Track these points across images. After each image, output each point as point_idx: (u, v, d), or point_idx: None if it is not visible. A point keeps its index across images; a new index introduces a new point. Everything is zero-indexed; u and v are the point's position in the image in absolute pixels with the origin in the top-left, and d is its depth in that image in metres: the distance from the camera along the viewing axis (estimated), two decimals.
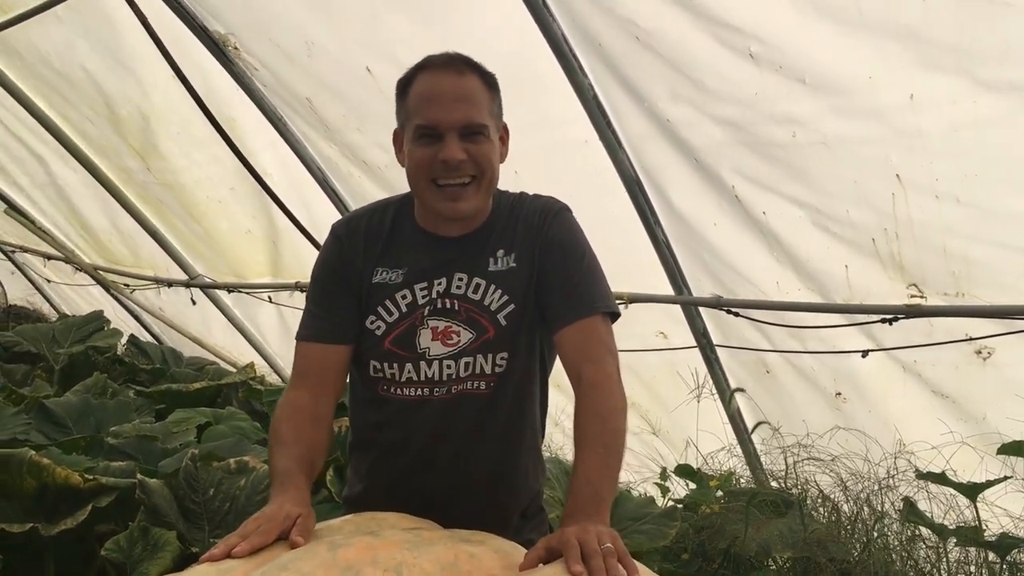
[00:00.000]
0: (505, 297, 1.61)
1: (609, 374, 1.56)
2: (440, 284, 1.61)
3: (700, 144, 2.55)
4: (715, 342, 3.19)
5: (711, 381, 3.23)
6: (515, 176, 2.85)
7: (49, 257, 5.69)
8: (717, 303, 2.95)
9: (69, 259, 5.41)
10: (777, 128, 2.37)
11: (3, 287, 6.21)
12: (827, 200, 2.46)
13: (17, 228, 5.64)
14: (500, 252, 1.63)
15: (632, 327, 3.06)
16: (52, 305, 6.43)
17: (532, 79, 2.64)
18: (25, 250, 5.98)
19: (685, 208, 2.78)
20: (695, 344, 3.19)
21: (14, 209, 5.30)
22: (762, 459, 3.22)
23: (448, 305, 1.61)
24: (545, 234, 1.63)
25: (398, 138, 1.65)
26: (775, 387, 3.16)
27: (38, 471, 2.93)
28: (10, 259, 6.28)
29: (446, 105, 1.54)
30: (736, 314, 2.94)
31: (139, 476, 2.87)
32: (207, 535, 2.78)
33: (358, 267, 1.64)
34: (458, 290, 1.61)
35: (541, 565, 1.29)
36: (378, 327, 1.62)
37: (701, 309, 3.10)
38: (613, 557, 1.26)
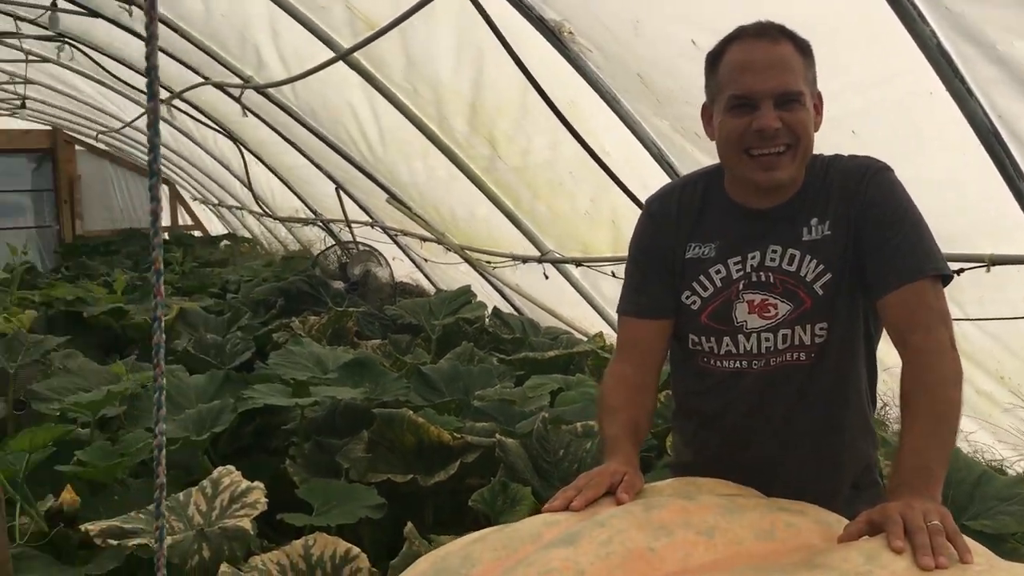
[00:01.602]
0: (821, 267, 1.59)
1: (940, 341, 1.48)
2: (754, 257, 1.63)
3: None
4: None
5: None
6: (853, 136, 2.73)
7: (424, 239, 6.39)
8: None
9: (440, 240, 6.04)
10: None
11: (391, 266, 7.08)
12: None
13: (397, 215, 6.42)
14: (814, 220, 1.60)
15: (997, 292, 2.79)
16: (431, 281, 7.22)
17: (866, 34, 2.51)
18: (406, 234, 6.76)
19: None
20: None
21: (395, 198, 6.03)
22: None
23: (763, 278, 1.62)
24: (863, 196, 1.58)
25: (706, 112, 1.68)
26: None
27: (416, 429, 3.37)
28: (395, 242, 7.14)
29: (760, 73, 1.54)
30: None
31: (498, 436, 3.18)
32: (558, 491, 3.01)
33: (671, 243, 1.70)
34: (772, 262, 1.62)
35: (864, 539, 1.28)
36: (693, 302, 1.68)
37: None
38: (941, 535, 1.21)
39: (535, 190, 4.70)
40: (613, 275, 4.57)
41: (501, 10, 3.47)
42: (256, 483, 2.48)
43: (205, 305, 6.40)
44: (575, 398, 3.81)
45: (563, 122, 3.76)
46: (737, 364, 1.66)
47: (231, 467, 2.57)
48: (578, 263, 4.85)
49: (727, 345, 1.66)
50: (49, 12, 6.12)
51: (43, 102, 10.59)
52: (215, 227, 13.64)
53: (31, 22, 6.65)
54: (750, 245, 1.64)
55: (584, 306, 5.14)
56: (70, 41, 7.17)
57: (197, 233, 13.86)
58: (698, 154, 3.34)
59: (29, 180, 13.25)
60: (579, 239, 4.78)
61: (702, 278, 1.67)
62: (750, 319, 1.63)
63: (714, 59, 1.63)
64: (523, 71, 3.61)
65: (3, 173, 13.39)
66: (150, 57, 0.91)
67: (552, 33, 3.42)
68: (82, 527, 2.28)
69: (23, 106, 10.49)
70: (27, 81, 9.01)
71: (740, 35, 1.60)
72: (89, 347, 5.37)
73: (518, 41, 3.56)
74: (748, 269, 1.63)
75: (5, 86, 9.87)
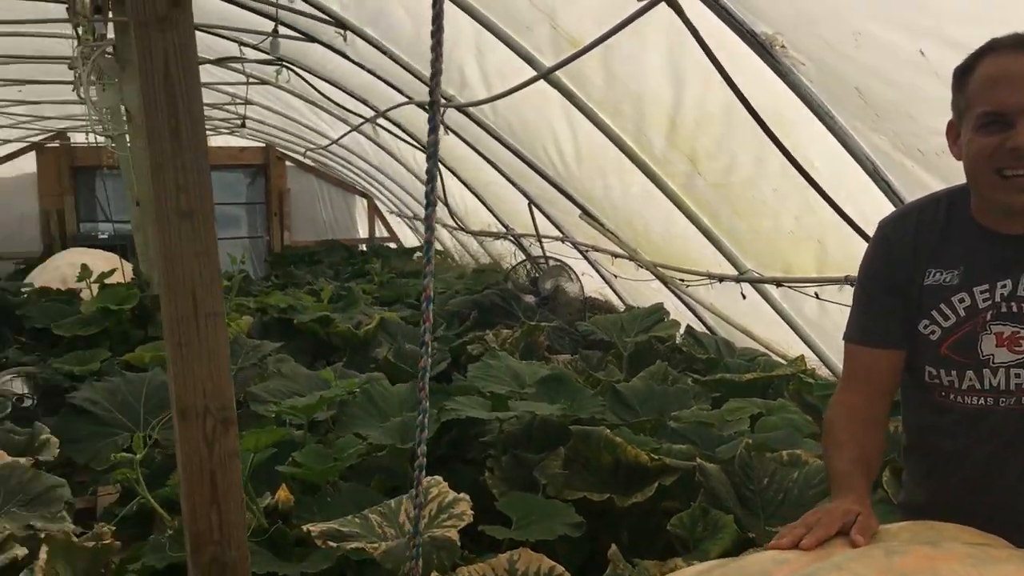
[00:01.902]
0: None
1: None
2: (1004, 286, 1.51)
3: None
4: None
5: None
6: None
7: (616, 256, 6.38)
8: None
9: (632, 257, 6.01)
10: None
11: (581, 281, 7.12)
12: None
13: (588, 230, 6.45)
14: None
15: None
16: (620, 298, 7.20)
17: None
18: (596, 249, 6.78)
19: None
20: None
21: (587, 214, 6.06)
22: None
23: (1014, 309, 1.50)
24: None
25: (952, 130, 1.58)
26: None
27: (612, 448, 3.35)
28: (585, 257, 7.18)
29: (1017, 88, 1.44)
30: None
31: (698, 460, 3.11)
32: (762, 522, 2.91)
33: (908, 268, 1.61)
34: None
35: None
36: (932, 332, 1.58)
37: None
38: None
39: (735, 207, 4.59)
40: (816, 296, 4.38)
41: (708, 25, 3.42)
42: (462, 495, 2.55)
43: (403, 315, 6.66)
44: (777, 424, 3.68)
45: (771, 137, 3.65)
46: (982, 400, 1.55)
47: (439, 477, 2.65)
48: (779, 283, 4.69)
49: (970, 379, 1.55)
50: (270, 38, 6.57)
51: (260, 121, 11.40)
52: (408, 239, 14.20)
53: (254, 47, 7.18)
54: (1000, 273, 1.52)
55: (783, 328, 4.96)
56: (287, 64, 7.69)
57: (392, 245, 14.49)
58: (920, 171, 3.15)
59: (244, 193, 14.32)
60: (781, 258, 4.61)
61: (943, 307, 1.57)
62: (998, 352, 1.52)
63: (963, 73, 1.53)
64: (731, 86, 3.53)
65: (223, 187, 14.55)
66: (432, 142, 0.96)
67: (763, 47, 3.33)
68: (303, 527, 2.41)
69: (243, 125, 11.33)
70: (247, 102, 9.72)
71: (993, 47, 1.49)
72: (298, 352, 5.71)
73: (726, 56, 3.49)
74: (997, 299, 1.52)
75: (228, 107, 10.69)
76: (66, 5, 5.91)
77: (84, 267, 6.56)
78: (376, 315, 6.29)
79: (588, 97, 4.70)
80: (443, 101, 5.99)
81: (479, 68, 5.34)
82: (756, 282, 4.86)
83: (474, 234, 9.56)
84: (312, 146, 11.78)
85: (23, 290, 7.92)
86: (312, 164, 13.71)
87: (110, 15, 5.90)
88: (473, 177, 8.09)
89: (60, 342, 6.01)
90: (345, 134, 9.56)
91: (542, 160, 6.03)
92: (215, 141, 13.91)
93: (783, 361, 5.00)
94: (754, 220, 4.57)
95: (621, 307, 7.07)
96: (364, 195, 14.87)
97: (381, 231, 15.22)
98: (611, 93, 4.51)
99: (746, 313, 5.32)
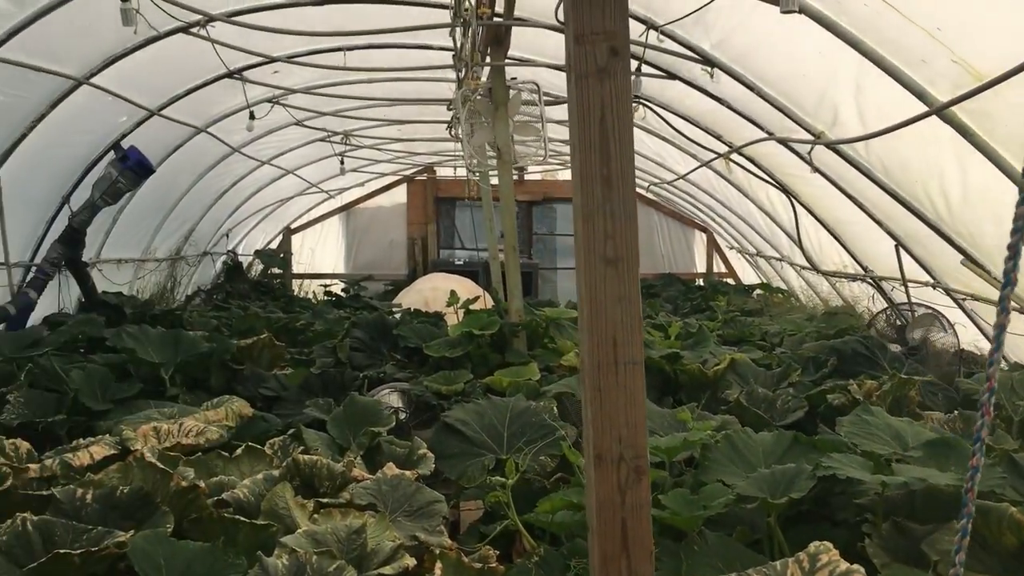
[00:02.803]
0: None
1: None
2: None
3: None
4: None
5: None
6: None
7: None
8: None
9: None
10: None
11: (956, 333, 6.47)
12: None
13: (964, 277, 5.85)
14: None
15: None
16: (1003, 355, 6.45)
17: None
18: (975, 298, 6.13)
19: None
20: None
21: (972, 261, 5.49)
22: None
23: None
24: None
25: None
26: None
27: (1018, 528, 2.96)
28: (960, 306, 6.52)
29: None
30: None
31: None
32: None
33: None
34: None
35: None
36: None
37: None
38: None
39: None
40: None
41: None
42: (855, 566, 2.36)
43: (753, 357, 6.45)
44: None
45: None
46: None
47: (828, 544, 2.48)
48: None
49: None
50: (634, 77, 6.73)
51: None
52: (746, 275, 13.86)
53: None
54: None
55: None
56: (643, 101, 7.83)
57: (730, 281, 14.22)
58: None
59: None
60: None
61: None
62: None
63: None
64: None
65: (565, 218, 15.20)
66: None
67: None
68: None
69: None
70: None
71: None
72: (647, 387, 5.72)
73: None
74: None
75: None
76: (452, 52, 6.45)
77: (453, 293, 7.10)
78: (726, 355, 6.15)
79: (989, 134, 4.25)
80: (809, 137, 5.77)
81: (856, 104, 5.06)
82: None
83: (826, 274, 9.08)
84: (656, 180, 11.90)
85: (394, 310, 8.76)
86: (653, 198, 13.86)
87: (487, 59, 6.37)
88: (829, 216, 7.71)
89: (427, 361, 6.53)
90: (695, 168, 9.54)
91: (920, 200, 5.58)
92: (563, 175, 14.59)
93: None
94: None
95: (1003, 365, 6.32)
96: (703, 229, 14.77)
97: (718, 266, 15.02)
98: (1022, 130, 4.05)
99: None
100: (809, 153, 6.11)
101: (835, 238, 8.02)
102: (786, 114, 5.78)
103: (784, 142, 6.35)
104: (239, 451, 3.73)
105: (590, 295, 1.78)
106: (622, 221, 1.77)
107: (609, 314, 1.78)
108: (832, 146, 5.68)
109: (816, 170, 6.39)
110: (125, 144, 7.20)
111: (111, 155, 7.13)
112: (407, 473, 3.68)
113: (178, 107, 7.89)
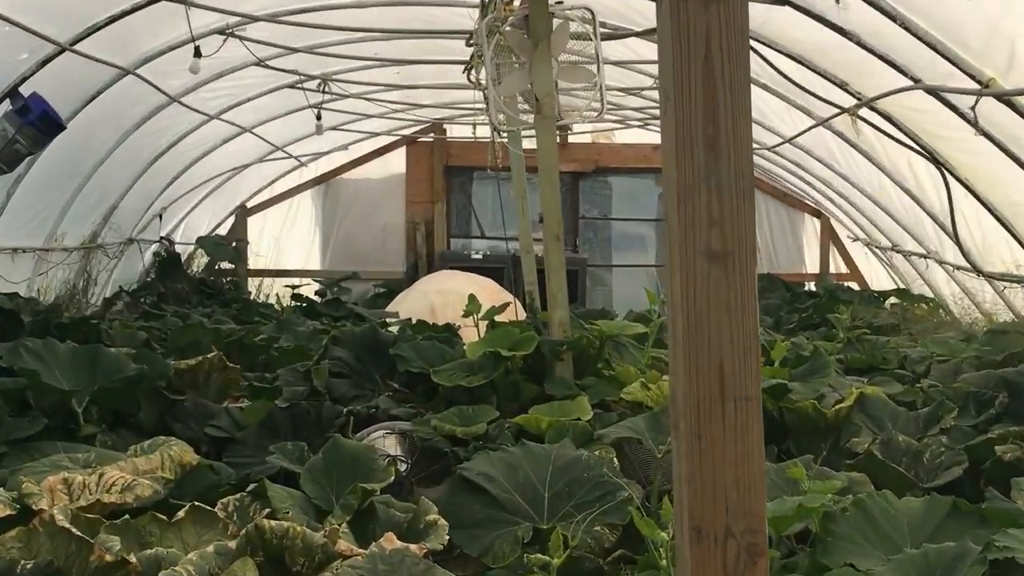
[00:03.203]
0: None
1: None
2: None
3: None
4: None
5: None
6: None
7: None
8: None
9: None
10: None
11: None
12: None
13: None
14: None
15: None
16: None
17: None
18: None
19: None
20: None
21: None
22: None
23: None
24: None
25: None
26: None
27: None
28: None
29: None
30: None
31: None
32: None
33: None
34: None
35: None
36: None
37: None
38: None
39: None
40: None
41: None
42: None
43: (889, 392, 6.39)
44: None
45: None
46: None
47: None
48: None
49: None
50: None
51: None
52: (877, 278, 13.76)
53: None
54: None
55: None
56: None
57: (853, 285, 14.10)
58: None
59: (654, 206, 14.75)
60: None
61: None
62: None
63: None
64: None
65: (623, 196, 15.12)
66: None
67: None
68: None
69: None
70: None
71: None
72: None
73: None
74: None
75: (645, 92, 11.11)
76: None
77: (472, 298, 7.05)
78: (852, 389, 6.09)
79: None
80: (975, 87, 5.71)
81: None
82: None
83: (991, 277, 9.00)
84: (755, 145, 11.84)
85: (389, 321, 8.76)
86: None
87: None
88: (999, 196, 7.63)
89: (436, 392, 6.50)
90: (808, 129, 9.49)
91: None
92: (621, 137, 14.55)
93: None
94: None
95: None
96: (816, 213, 14.69)
97: (836, 264, 14.92)
98: None
99: None
100: (973, 109, 6.04)
101: (1005, 227, 7.95)
102: (940, 53, 5.73)
103: (937, 92, 6.29)
104: (181, 513, 3.73)
105: (687, 304, 1.76)
106: (734, 201, 1.74)
107: (714, 331, 1.75)
108: (1006, 98, 5.63)
109: (982, 132, 6.32)
110: (25, 91, 7.24)
111: (6, 105, 7.17)
112: (411, 547, 3.66)
113: (97, 40, 7.87)
